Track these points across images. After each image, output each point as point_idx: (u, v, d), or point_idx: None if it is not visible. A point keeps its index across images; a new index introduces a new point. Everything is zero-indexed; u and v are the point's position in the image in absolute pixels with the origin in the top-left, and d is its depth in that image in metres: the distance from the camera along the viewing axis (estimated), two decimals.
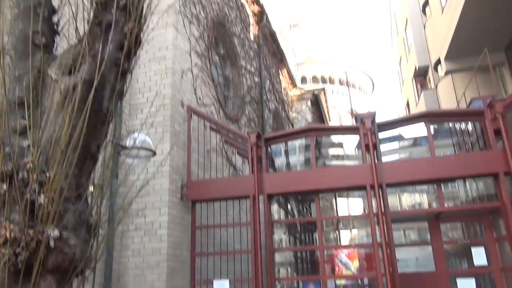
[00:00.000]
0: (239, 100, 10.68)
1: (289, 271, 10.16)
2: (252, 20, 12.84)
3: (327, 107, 21.95)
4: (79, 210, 1.98)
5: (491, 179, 6.33)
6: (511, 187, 6.10)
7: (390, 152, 8.14)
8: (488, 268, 6.19)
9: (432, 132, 6.68)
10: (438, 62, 13.86)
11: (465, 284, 6.03)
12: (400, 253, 7.11)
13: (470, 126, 7.41)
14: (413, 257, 8.66)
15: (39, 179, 1.84)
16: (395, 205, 8.65)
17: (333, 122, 33.76)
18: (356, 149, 7.69)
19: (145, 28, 2.59)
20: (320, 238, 6.84)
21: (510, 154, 5.78)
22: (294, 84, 17.82)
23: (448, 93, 14.35)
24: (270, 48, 14.76)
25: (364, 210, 7.55)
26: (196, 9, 8.47)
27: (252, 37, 12.57)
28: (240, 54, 11.06)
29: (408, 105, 22.93)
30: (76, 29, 2.34)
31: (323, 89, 21.74)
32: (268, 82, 13.86)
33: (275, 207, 8.57)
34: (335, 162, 9.31)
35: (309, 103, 17.54)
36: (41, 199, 1.81)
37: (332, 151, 9.41)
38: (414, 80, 20.41)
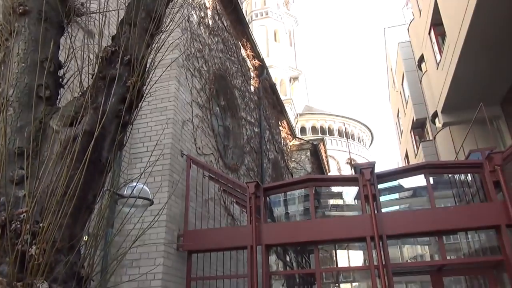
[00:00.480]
0: (238, 150, 10.77)
1: None
2: (252, 73, 13.26)
3: (326, 157, 22.05)
4: (71, 261, 1.95)
5: (493, 231, 6.24)
6: None
7: (390, 203, 8.08)
8: None
9: (432, 183, 6.67)
10: (436, 114, 14.12)
11: None
12: None
13: (469, 177, 7.41)
14: None
15: (32, 229, 1.83)
16: (397, 256, 8.46)
17: (332, 172, 33.74)
18: (356, 199, 7.64)
19: (148, 81, 2.68)
20: None
21: (511, 206, 5.73)
22: (293, 135, 18.04)
23: (447, 145, 14.49)
24: (270, 100, 15.12)
25: (365, 262, 7.37)
26: (198, 63, 8.78)
27: (252, 89, 12.92)
28: (241, 105, 11.31)
29: (407, 156, 23.06)
30: (81, 82, 2.42)
31: (322, 140, 21.98)
32: (267, 132, 14.05)
33: (273, 258, 8.38)
34: (334, 213, 9.22)
35: (308, 153, 17.66)
36: (33, 250, 1.79)
37: (332, 201, 9.35)
38: (412, 132, 20.68)
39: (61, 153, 2.06)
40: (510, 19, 8.58)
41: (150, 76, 2.66)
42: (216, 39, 10.27)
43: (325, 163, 21.54)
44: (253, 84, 13.11)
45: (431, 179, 6.65)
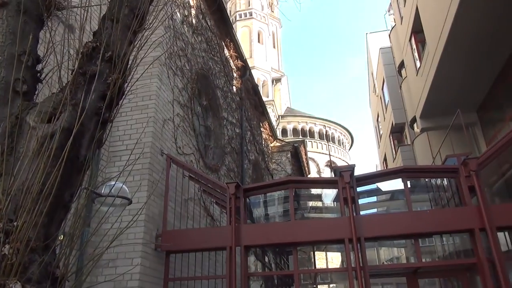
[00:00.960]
0: (219, 150, 10.73)
1: None
2: (235, 74, 13.24)
3: (306, 159, 22.21)
4: (45, 261, 1.90)
5: (467, 234, 6.40)
6: (487, 243, 6.16)
7: (368, 206, 8.20)
8: None
9: (409, 186, 6.79)
10: (414, 120, 14.40)
11: None
12: None
13: (445, 182, 7.58)
14: None
15: (6, 228, 1.77)
16: (374, 258, 8.59)
17: (312, 174, 34.02)
18: (334, 202, 7.72)
19: (130, 79, 2.63)
20: None
21: (484, 211, 5.89)
22: (274, 136, 18.09)
23: (424, 149, 14.80)
24: (252, 101, 15.13)
25: (342, 263, 7.45)
26: (181, 62, 8.71)
27: (234, 90, 12.89)
28: (223, 105, 11.27)
29: (385, 159, 23.45)
30: (60, 78, 2.36)
31: (303, 142, 22.12)
32: (249, 133, 14.05)
33: (252, 259, 8.38)
34: (313, 215, 9.29)
35: (289, 155, 17.75)
36: (6, 249, 1.73)
37: (311, 203, 9.42)
38: (391, 136, 21.04)
39: (38, 150, 2.01)
40: (488, 30, 8.84)
41: (131, 74, 2.62)
42: (200, 38, 10.21)
43: (306, 165, 21.70)
44: (236, 84, 13.10)
45: (408, 183, 6.77)
